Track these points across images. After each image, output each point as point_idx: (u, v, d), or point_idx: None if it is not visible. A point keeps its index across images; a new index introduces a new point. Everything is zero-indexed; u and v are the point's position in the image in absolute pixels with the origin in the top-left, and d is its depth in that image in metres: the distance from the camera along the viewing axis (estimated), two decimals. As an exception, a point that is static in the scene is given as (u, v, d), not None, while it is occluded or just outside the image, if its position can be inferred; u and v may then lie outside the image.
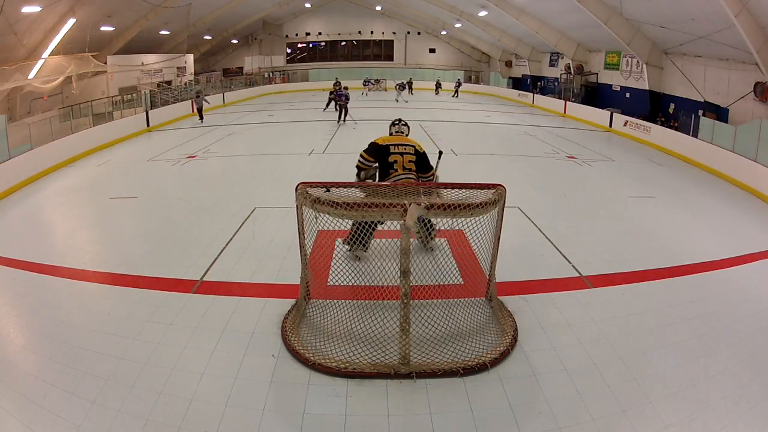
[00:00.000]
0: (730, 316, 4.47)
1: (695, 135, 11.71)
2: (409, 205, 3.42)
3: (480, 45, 30.54)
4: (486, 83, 29.83)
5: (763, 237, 6.70)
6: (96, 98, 17.02)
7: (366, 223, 4.20)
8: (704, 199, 8.62)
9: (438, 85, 28.92)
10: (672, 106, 15.38)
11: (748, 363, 3.78)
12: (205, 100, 17.66)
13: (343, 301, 4.38)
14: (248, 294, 4.72)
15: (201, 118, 17.38)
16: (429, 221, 4.79)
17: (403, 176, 4.92)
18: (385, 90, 28.96)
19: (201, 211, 7.22)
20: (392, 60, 33.57)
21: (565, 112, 19.42)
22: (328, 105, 19.21)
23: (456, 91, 27.02)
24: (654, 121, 14.44)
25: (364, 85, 27.17)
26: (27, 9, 12.47)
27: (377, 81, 29.49)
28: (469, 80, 30.75)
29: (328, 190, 3.89)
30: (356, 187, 4.12)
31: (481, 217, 3.90)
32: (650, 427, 3.09)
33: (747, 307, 4.64)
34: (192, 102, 18.43)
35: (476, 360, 3.62)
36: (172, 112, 17.87)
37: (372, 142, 5.11)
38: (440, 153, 5.99)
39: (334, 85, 21.65)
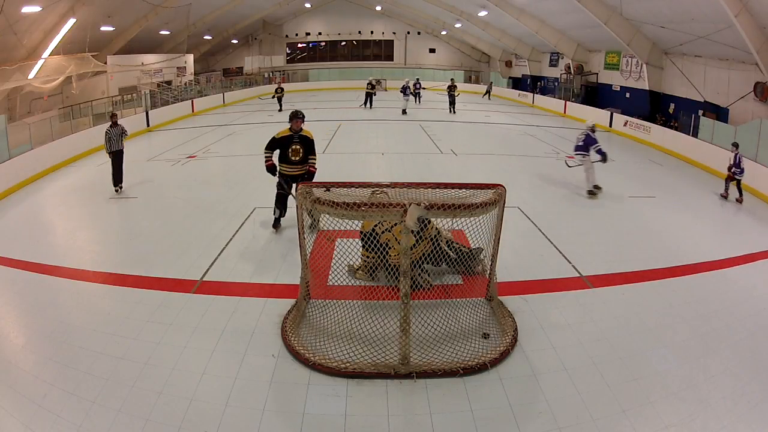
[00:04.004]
0: (730, 316, 4.47)
1: (695, 135, 11.70)
2: (409, 205, 3.42)
3: (480, 45, 30.50)
4: (486, 83, 29.76)
5: (763, 237, 6.69)
6: (96, 98, 17.00)
7: (378, 264, 4.56)
8: (704, 199, 8.62)
9: (416, 88, 20.77)
10: (672, 106, 15.38)
11: (748, 363, 3.78)
12: (124, 132, 8.72)
13: (343, 301, 4.38)
14: (248, 294, 4.72)
15: (119, 179, 8.45)
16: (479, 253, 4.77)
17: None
18: (386, 90, 28.92)
19: (201, 211, 7.21)
20: (392, 60, 33.55)
21: (565, 112, 19.41)
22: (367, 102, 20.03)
23: (416, 96, 21.09)
24: (654, 121, 14.43)
25: (370, 89, 20.29)
26: (27, 9, 12.46)
27: (378, 82, 29.39)
28: (468, 80, 30.69)
29: (328, 190, 3.89)
30: (356, 187, 4.12)
31: (481, 217, 3.90)
32: (650, 427, 3.09)
33: (747, 307, 4.64)
34: (106, 142, 8.51)
35: (476, 360, 3.62)
36: (172, 112, 17.85)
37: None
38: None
39: (276, 90, 20.18)
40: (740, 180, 8.39)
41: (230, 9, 23.61)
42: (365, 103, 20.35)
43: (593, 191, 8.19)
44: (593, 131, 8.41)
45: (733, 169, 8.36)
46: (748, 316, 4.49)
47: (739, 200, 8.31)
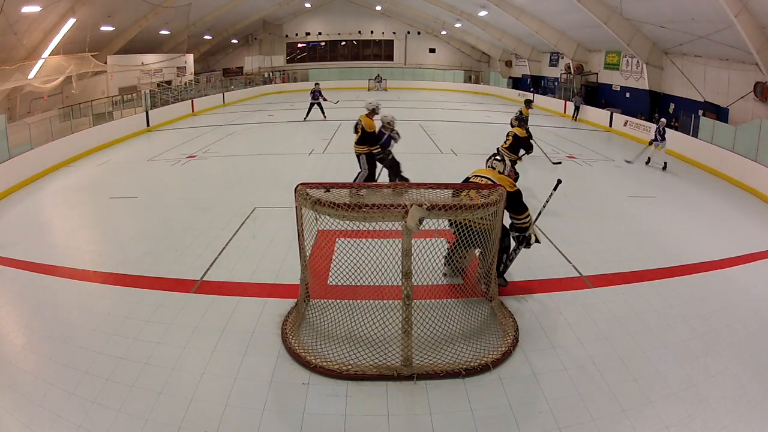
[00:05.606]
0: (730, 316, 4.47)
1: (695, 135, 11.71)
2: (410, 206, 3.41)
3: (480, 45, 30.49)
4: (486, 83, 29.77)
5: (763, 237, 6.69)
6: (96, 98, 16.99)
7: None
8: (704, 199, 8.62)
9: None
10: (672, 106, 15.37)
11: (748, 363, 3.78)
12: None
13: (343, 301, 4.38)
14: (248, 294, 4.72)
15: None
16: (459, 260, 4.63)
17: None
18: (386, 90, 28.92)
19: (201, 211, 7.21)
20: (392, 60, 33.55)
21: (564, 112, 19.42)
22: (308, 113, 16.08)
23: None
24: (651, 120, 14.44)
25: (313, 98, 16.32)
26: (27, 9, 12.44)
27: (379, 79, 29.37)
28: (469, 80, 30.68)
29: (328, 191, 3.89)
30: (356, 188, 4.11)
31: (480, 217, 3.89)
32: (650, 427, 3.09)
33: (747, 307, 4.64)
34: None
35: (478, 361, 3.62)
36: (172, 112, 17.86)
37: None
38: (558, 182, 5.30)
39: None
40: (659, 146, 10.50)
41: (230, 9, 23.58)
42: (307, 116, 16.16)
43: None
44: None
45: (656, 135, 10.57)
46: (748, 316, 4.49)
47: (650, 162, 10.89)
